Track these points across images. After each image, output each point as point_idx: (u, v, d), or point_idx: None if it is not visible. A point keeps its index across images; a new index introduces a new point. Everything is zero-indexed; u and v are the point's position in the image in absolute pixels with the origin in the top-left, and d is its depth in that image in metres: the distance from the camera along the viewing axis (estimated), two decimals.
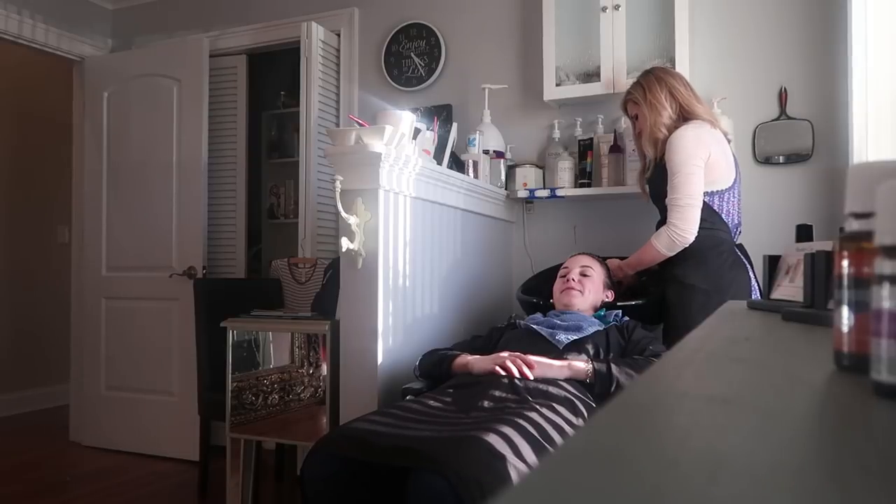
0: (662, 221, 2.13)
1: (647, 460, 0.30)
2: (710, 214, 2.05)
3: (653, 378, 0.54)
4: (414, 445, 1.35)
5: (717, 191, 2.06)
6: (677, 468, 0.28)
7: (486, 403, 1.59)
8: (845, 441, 0.33)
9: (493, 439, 1.32)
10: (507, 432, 1.37)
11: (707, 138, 2.05)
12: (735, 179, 2.11)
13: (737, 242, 2.14)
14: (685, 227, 2.00)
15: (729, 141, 2.18)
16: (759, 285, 2.05)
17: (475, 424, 1.43)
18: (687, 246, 2.03)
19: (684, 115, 2.11)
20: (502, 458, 1.30)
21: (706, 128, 2.07)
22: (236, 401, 2.30)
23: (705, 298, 1.96)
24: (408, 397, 1.84)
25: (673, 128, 2.09)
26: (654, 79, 2.14)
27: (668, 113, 2.10)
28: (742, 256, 2.10)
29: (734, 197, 2.11)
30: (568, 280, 2.09)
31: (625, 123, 2.67)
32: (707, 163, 2.03)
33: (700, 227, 2.03)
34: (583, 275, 2.11)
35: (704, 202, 2.04)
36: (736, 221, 2.13)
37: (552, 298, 2.17)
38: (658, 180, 2.13)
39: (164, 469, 3.20)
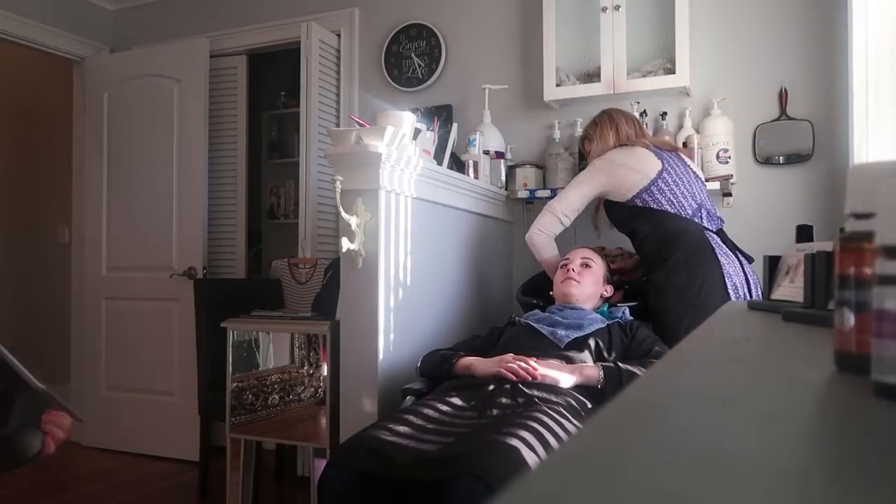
0: (633, 245, 2.27)
1: (647, 461, 0.30)
2: (654, 217, 2.13)
3: (653, 378, 0.54)
4: (446, 454, 1.36)
5: (642, 189, 2.12)
6: (677, 468, 0.28)
7: (494, 412, 1.59)
8: (846, 441, 0.33)
9: (522, 445, 1.33)
10: (528, 437, 1.37)
11: (602, 165, 2.19)
12: (661, 169, 2.14)
13: (711, 228, 2.15)
14: (534, 224, 2.26)
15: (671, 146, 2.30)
16: (732, 273, 2.04)
17: (496, 429, 1.42)
18: (531, 241, 2.26)
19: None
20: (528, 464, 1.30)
21: (612, 154, 2.19)
22: (236, 401, 2.30)
23: (675, 295, 2.04)
24: (407, 397, 1.85)
25: None
26: (607, 118, 2.30)
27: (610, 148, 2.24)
28: (716, 243, 2.10)
29: (669, 185, 2.13)
30: (568, 270, 2.10)
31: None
32: (612, 186, 2.17)
33: (650, 233, 2.14)
34: (584, 266, 2.11)
35: (639, 207, 2.13)
36: (694, 205, 2.14)
37: (552, 291, 2.17)
38: (610, 212, 2.28)
39: (165, 469, 3.20)
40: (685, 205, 2.13)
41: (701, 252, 2.07)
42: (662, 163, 2.16)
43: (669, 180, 2.14)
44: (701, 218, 2.14)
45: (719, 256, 2.06)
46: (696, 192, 2.17)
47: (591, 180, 2.22)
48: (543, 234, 2.25)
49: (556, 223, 2.23)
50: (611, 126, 2.28)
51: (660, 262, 2.10)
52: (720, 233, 2.18)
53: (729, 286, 2.01)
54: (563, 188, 2.66)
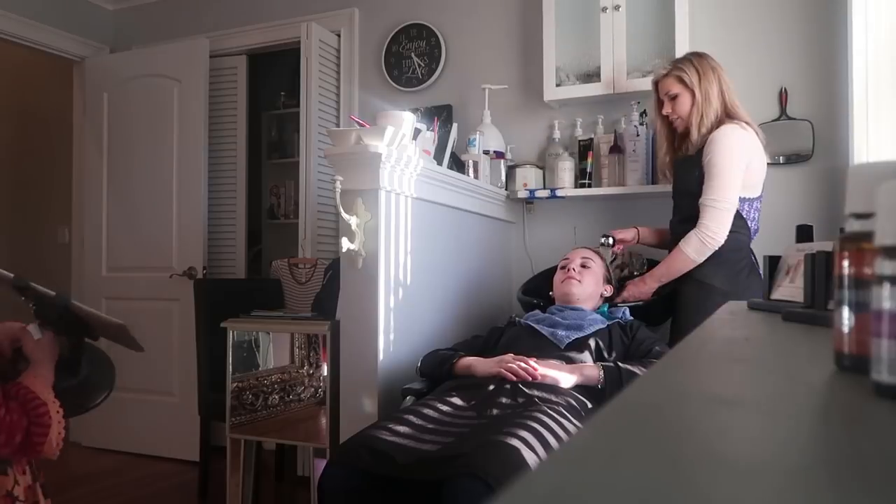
0: (678, 217, 2.13)
1: (648, 461, 0.30)
2: (736, 219, 2.04)
3: (653, 378, 0.54)
4: (446, 454, 1.36)
5: (748, 198, 2.05)
6: (677, 469, 0.28)
7: (494, 412, 1.59)
8: (846, 441, 0.33)
9: (522, 445, 1.33)
10: (529, 437, 1.37)
11: (750, 144, 2.03)
12: (763, 189, 2.10)
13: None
14: (717, 230, 1.98)
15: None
16: None
17: (496, 429, 1.42)
18: (719, 244, 2.01)
19: (727, 114, 2.07)
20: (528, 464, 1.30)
21: (750, 132, 2.04)
22: (236, 401, 2.30)
23: (723, 300, 1.95)
24: (407, 397, 1.85)
25: (717, 124, 2.04)
26: (710, 67, 2.07)
27: (715, 107, 2.05)
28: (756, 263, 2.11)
29: (760, 205, 2.11)
30: (568, 270, 2.10)
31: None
32: (746, 169, 2.01)
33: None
34: (583, 266, 2.11)
35: None
36: (755, 228, 2.13)
37: (552, 290, 2.17)
38: (688, 174, 2.09)
39: (164, 469, 3.20)
40: (755, 225, 2.10)
41: (754, 270, 2.06)
42: (763, 182, 2.10)
43: (762, 201, 2.11)
44: (752, 239, 2.13)
45: (760, 275, 2.07)
46: (759, 216, 2.14)
47: (742, 160, 1.99)
48: (720, 239, 2.00)
49: (729, 221, 2.00)
50: (714, 77, 2.05)
51: (721, 262, 2.02)
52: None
53: None
54: (563, 187, 2.69)
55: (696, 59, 2.11)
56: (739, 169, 1.99)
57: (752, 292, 1.99)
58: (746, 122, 2.06)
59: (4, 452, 1.19)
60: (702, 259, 2.02)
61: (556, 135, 2.79)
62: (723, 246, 2.01)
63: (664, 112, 2.15)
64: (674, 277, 2.09)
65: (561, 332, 1.90)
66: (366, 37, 3.26)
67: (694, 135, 2.08)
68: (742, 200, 2.04)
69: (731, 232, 2.02)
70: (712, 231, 1.98)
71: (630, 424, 0.37)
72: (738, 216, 2.04)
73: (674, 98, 2.11)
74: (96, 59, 3.72)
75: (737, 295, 1.91)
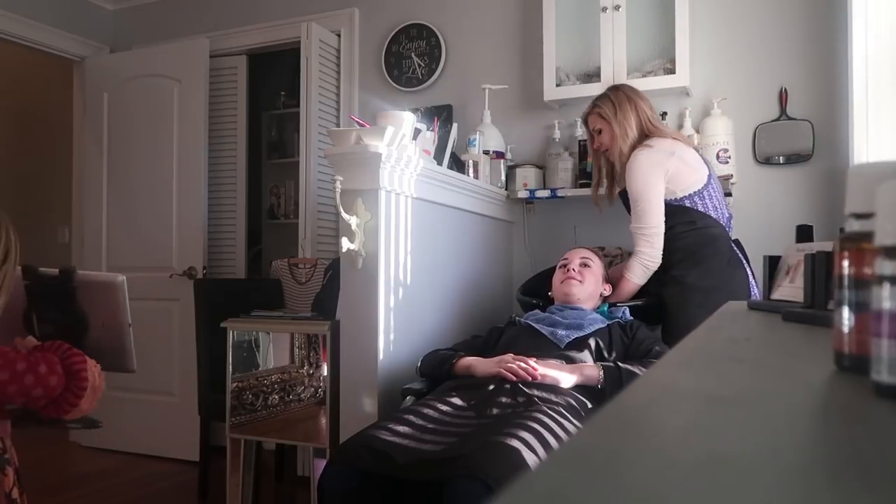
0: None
1: (648, 461, 0.30)
2: (696, 216, 2.08)
3: (653, 378, 0.54)
4: (446, 454, 1.36)
5: (695, 192, 2.09)
6: (677, 469, 0.28)
7: (494, 411, 1.59)
8: (846, 442, 0.33)
9: (522, 446, 1.33)
10: (529, 438, 1.37)
11: (659, 157, 2.07)
12: (709, 175, 2.12)
13: (732, 238, 2.16)
14: (652, 252, 2.08)
15: (698, 149, 2.23)
16: (756, 283, 2.06)
17: (496, 429, 1.42)
18: (659, 264, 2.09)
19: (646, 135, 2.14)
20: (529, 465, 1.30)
21: (661, 143, 2.09)
22: (236, 401, 2.30)
23: (703, 297, 1.97)
24: (407, 397, 1.85)
25: (633, 149, 2.12)
26: (625, 98, 2.16)
27: (633, 135, 2.13)
28: (739, 253, 2.12)
29: (714, 192, 2.12)
30: (568, 270, 2.09)
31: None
32: (668, 177, 2.07)
33: (691, 229, 2.07)
34: (583, 265, 2.11)
35: (686, 206, 2.08)
36: (727, 214, 2.16)
37: (551, 291, 2.17)
38: (628, 204, 2.17)
39: (164, 469, 3.20)
40: (722, 213, 2.13)
41: (733, 260, 2.09)
42: (708, 167, 2.14)
43: (714, 185, 2.13)
44: (728, 228, 2.15)
45: (745, 265, 2.09)
46: (723, 200, 2.18)
47: (657, 179, 2.05)
48: (658, 259, 2.09)
49: (661, 241, 2.09)
50: (630, 107, 2.13)
51: (697, 260, 2.06)
52: (737, 242, 2.17)
53: (752, 295, 2.02)
54: (563, 186, 2.68)
55: (612, 93, 2.20)
56: (655, 188, 2.06)
57: (735, 285, 2.01)
58: (659, 136, 2.12)
59: (54, 381, 1.24)
60: (645, 280, 2.12)
61: (556, 135, 2.79)
62: (696, 243, 2.07)
63: (594, 147, 2.25)
64: (626, 299, 2.17)
65: (561, 332, 1.89)
66: (366, 37, 3.26)
67: (617, 166, 2.18)
68: (686, 198, 2.08)
69: (697, 229, 2.07)
70: (648, 255, 2.09)
71: (630, 424, 0.37)
72: (696, 212, 2.08)
73: (599, 132, 2.20)
74: (96, 59, 3.72)
75: (719, 289, 1.94)
